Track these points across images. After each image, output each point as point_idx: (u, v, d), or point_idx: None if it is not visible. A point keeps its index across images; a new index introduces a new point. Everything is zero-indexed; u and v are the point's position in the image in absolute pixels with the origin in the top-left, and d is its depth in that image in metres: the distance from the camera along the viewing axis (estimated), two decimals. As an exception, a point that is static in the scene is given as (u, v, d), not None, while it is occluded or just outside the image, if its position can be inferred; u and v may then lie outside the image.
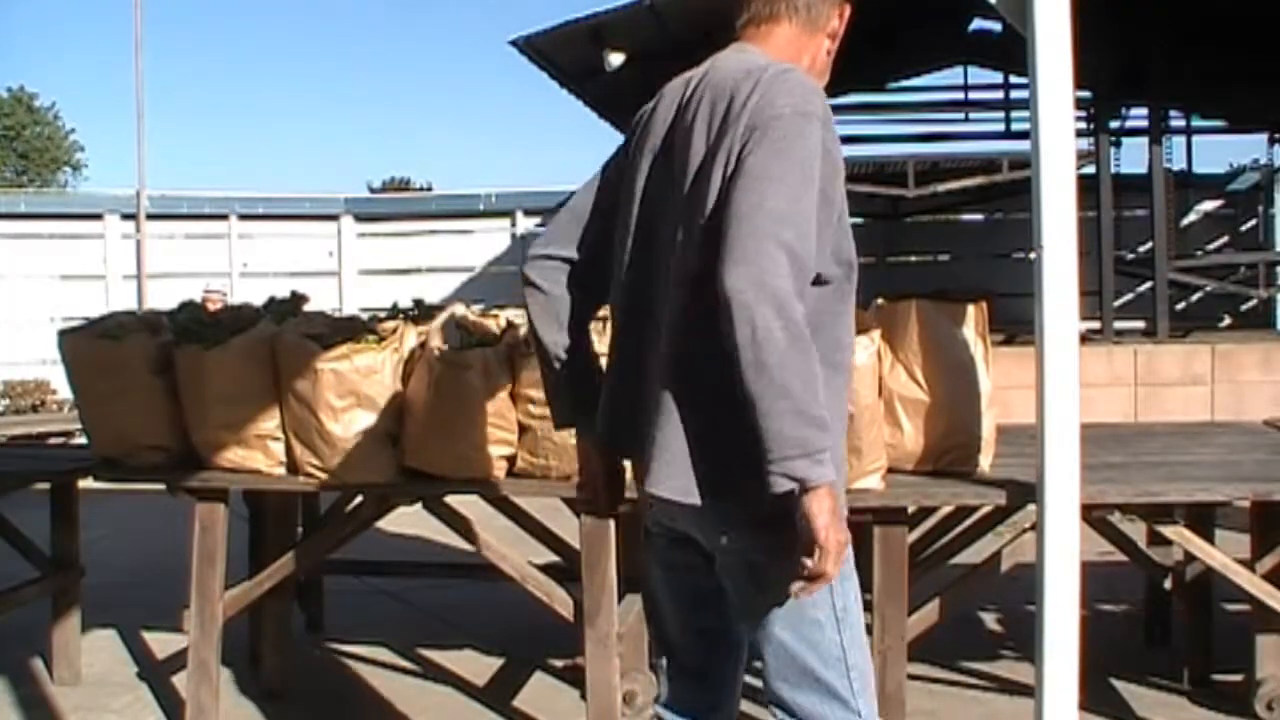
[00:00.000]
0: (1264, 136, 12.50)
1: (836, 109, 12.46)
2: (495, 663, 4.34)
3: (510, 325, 3.39)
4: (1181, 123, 11.98)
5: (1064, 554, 2.79)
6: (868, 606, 3.48)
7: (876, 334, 3.02)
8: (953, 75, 12.23)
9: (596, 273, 2.04)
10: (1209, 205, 13.08)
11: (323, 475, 3.34)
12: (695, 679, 2.01)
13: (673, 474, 1.79)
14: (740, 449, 1.67)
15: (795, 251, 1.66)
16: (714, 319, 1.66)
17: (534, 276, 2.05)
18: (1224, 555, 3.41)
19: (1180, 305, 11.35)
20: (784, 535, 1.68)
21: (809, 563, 1.64)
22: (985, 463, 3.27)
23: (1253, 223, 13.05)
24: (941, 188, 10.77)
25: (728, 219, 1.68)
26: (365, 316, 3.95)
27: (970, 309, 3.24)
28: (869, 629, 3.31)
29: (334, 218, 14.90)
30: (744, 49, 1.94)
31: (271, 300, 3.83)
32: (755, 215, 1.66)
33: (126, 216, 14.28)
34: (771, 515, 1.69)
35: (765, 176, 1.69)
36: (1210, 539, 3.55)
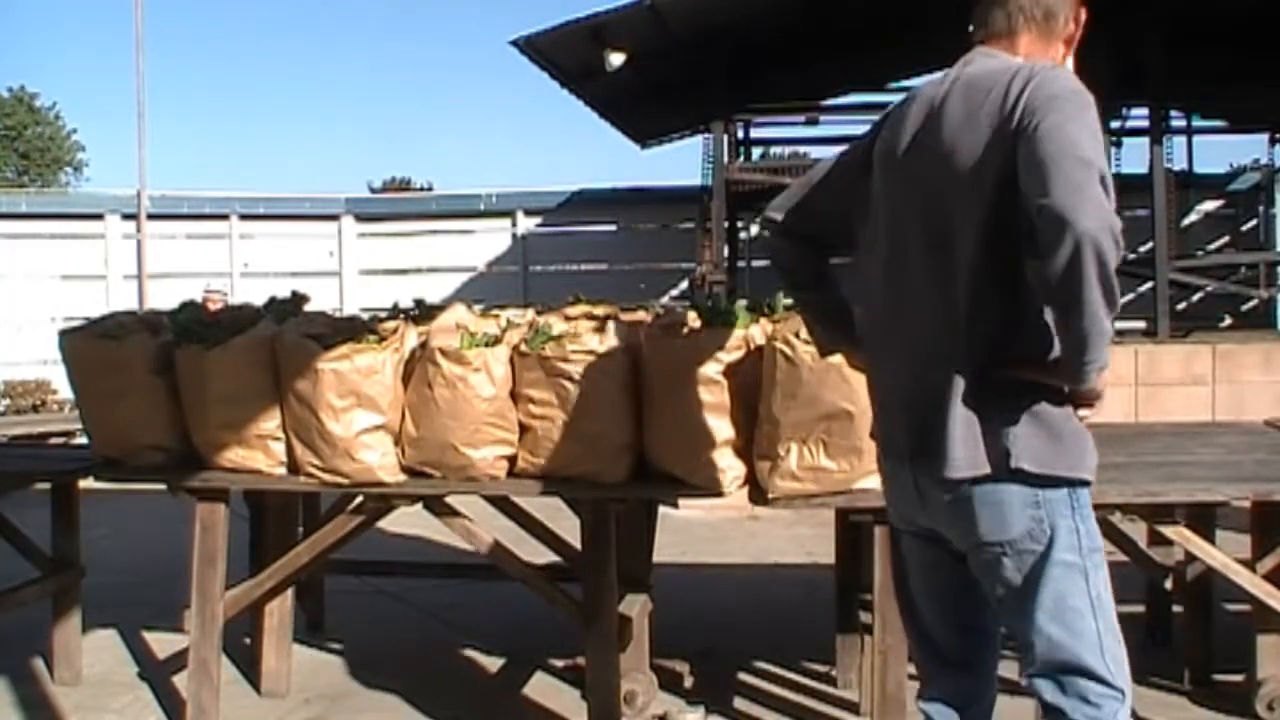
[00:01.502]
0: (1264, 136, 12.49)
1: (836, 109, 12.40)
2: (495, 663, 4.34)
3: (510, 325, 3.39)
4: (1182, 123, 11.96)
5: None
6: (866, 606, 3.49)
7: (877, 334, 3.01)
8: (953, 75, 12.23)
9: (817, 233, 2.29)
10: (1210, 205, 13.08)
11: (323, 475, 3.34)
12: (959, 671, 2.15)
13: (963, 452, 1.90)
14: (1018, 416, 1.89)
15: (1107, 187, 1.76)
16: (1011, 285, 1.87)
17: (768, 232, 2.33)
18: (1224, 555, 3.41)
19: (1181, 305, 11.34)
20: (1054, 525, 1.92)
21: (1087, 413, 1.94)
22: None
23: (1253, 223, 13.04)
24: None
25: (1048, 168, 1.73)
26: (366, 316, 3.94)
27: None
28: (869, 629, 3.32)
29: (334, 218, 14.91)
30: (991, 53, 2.03)
31: (272, 300, 3.83)
32: (1072, 158, 1.74)
33: (127, 216, 14.29)
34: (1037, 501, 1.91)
35: (1068, 137, 1.76)
36: (1210, 539, 3.55)
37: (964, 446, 1.89)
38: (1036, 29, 2.02)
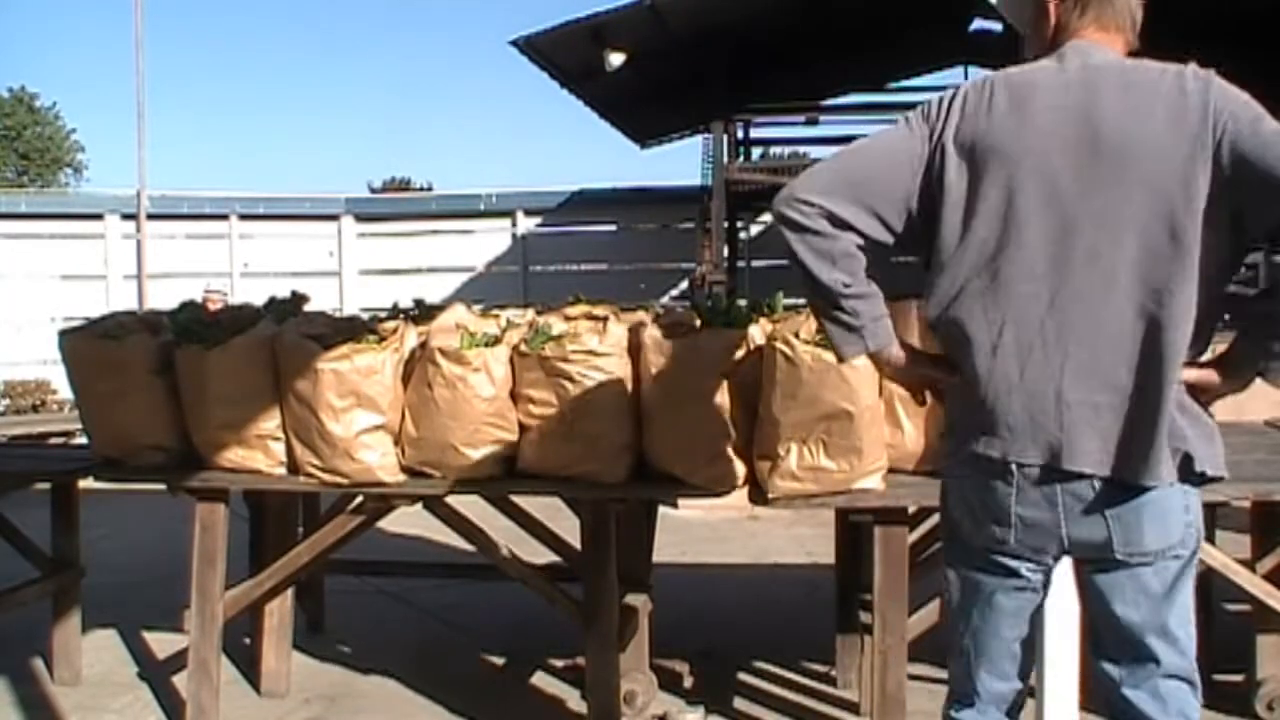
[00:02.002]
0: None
1: (836, 109, 12.45)
2: (495, 663, 4.34)
3: (510, 325, 3.39)
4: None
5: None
6: (866, 606, 3.49)
7: (877, 334, 3.01)
8: (953, 75, 12.27)
9: (868, 226, 2.01)
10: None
11: (323, 475, 3.34)
12: (1011, 682, 2.15)
13: (1165, 457, 1.86)
14: (1187, 418, 1.89)
15: None
16: (1203, 287, 1.85)
17: (805, 221, 1.98)
18: (1224, 555, 3.41)
19: (1180, 305, 11.35)
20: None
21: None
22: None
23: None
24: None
25: (1270, 172, 1.83)
26: (365, 316, 3.95)
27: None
28: (869, 629, 3.32)
29: (334, 218, 14.92)
30: (1103, 49, 1.98)
31: (272, 300, 3.83)
32: None
33: (127, 216, 14.30)
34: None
35: None
36: (1210, 539, 3.54)
37: (1165, 452, 1.87)
38: (1131, 34, 2.04)
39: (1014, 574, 2.00)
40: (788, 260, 2.02)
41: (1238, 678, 3.63)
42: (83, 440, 4.11)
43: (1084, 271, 1.88)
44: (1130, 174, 1.86)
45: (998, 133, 1.94)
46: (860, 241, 1.98)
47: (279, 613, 3.94)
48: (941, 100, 2.03)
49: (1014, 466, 1.91)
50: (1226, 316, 2.07)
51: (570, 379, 3.10)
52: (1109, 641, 1.99)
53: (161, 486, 3.56)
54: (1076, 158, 1.89)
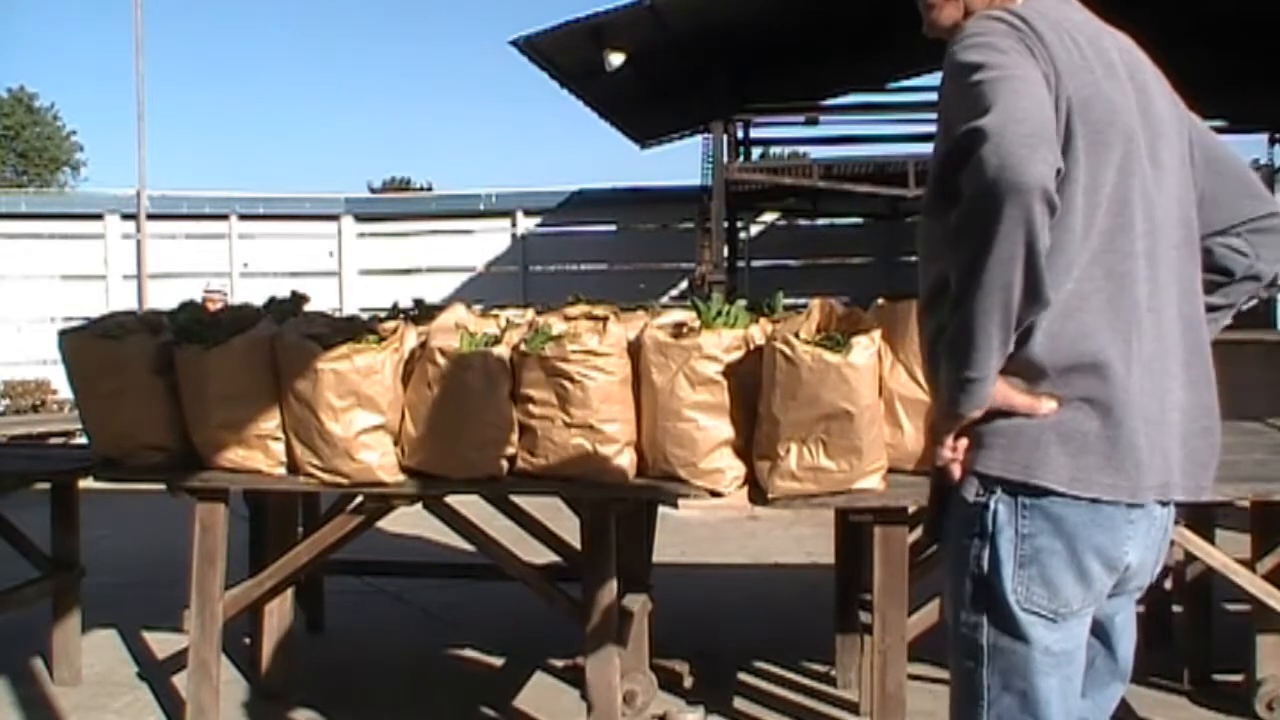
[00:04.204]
0: (1264, 136, 12.49)
1: (836, 109, 12.41)
2: (495, 663, 4.34)
3: (510, 325, 3.39)
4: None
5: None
6: (866, 606, 3.49)
7: (877, 334, 3.02)
8: (953, 75, 12.21)
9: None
10: None
11: (323, 475, 3.34)
12: None
13: (1211, 472, 1.73)
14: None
15: None
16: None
17: (1050, 189, 1.48)
18: (1224, 555, 3.42)
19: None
20: None
21: None
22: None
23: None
24: (942, 187, 10.76)
25: (1242, 169, 1.85)
26: (365, 316, 3.95)
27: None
28: (869, 629, 3.32)
29: (334, 218, 14.91)
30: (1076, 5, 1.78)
31: (272, 300, 3.83)
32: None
33: (127, 216, 14.29)
34: None
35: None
36: (1210, 539, 3.55)
37: None
38: None
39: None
40: (993, 251, 1.47)
41: (1238, 678, 3.64)
42: (83, 440, 4.11)
43: (1166, 272, 1.67)
44: (1163, 156, 1.70)
45: (1108, 94, 1.63)
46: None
47: (279, 613, 3.93)
48: (1023, 35, 1.60)
49: (1138, 505, 1.64)
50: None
51: (570, 379, 3.10)
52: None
53: (161, 486, 3.56)
54: (1146, 131, 1.67)
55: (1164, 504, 1.68)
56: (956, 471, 1.66)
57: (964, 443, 1.65)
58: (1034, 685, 1.63)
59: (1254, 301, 11.59)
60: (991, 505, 1.63)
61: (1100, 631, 1.75)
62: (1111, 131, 1.61)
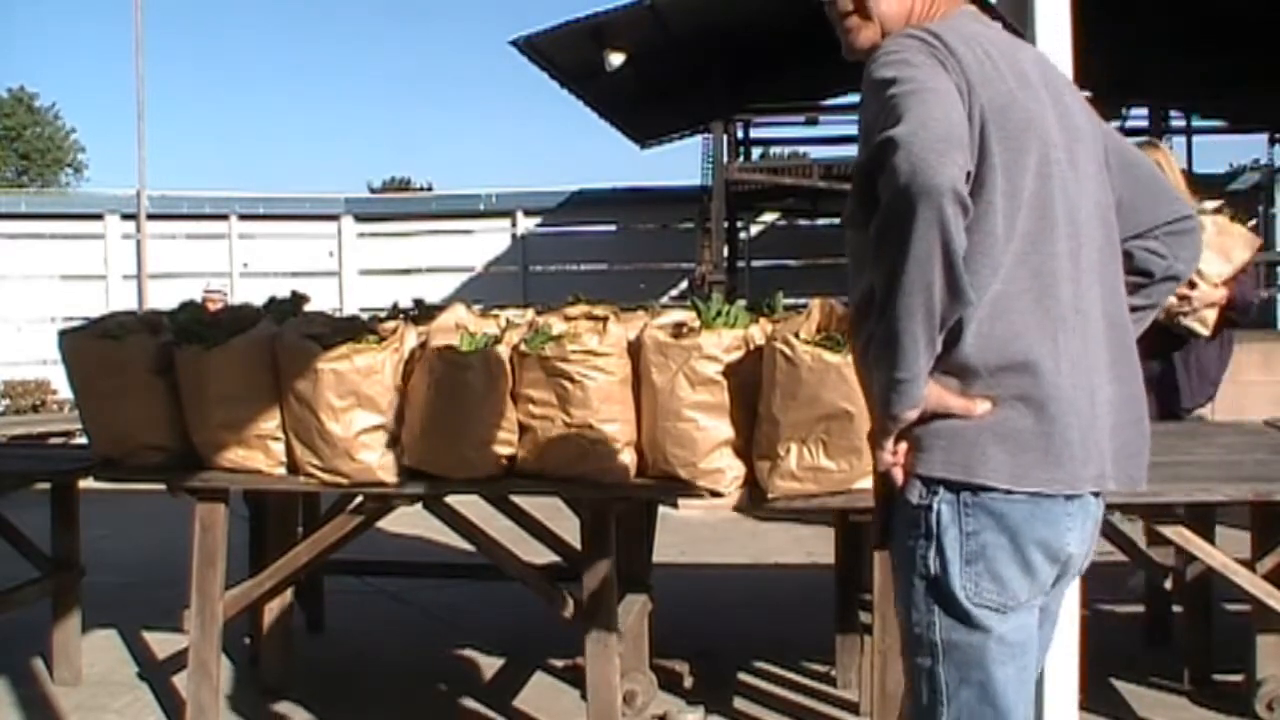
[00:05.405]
0: (1264, 136, 12.51)
1: (836, 109, 12.37)
2: (495, 663, 4.34)
3: (510, 325, 3.39)
4: (1182, 123, 11.98)
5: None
6: (866, 606, 3.49)
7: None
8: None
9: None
10: (1209, 205, 13.08)
11: (323, 475, 3.34)
12: None
13: (1143, 462, 1.82)
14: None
15: None
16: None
17: (961, 190, 1.53)
18: (1224, 555, 3.41)
19: (1180, 305, 11.34)
20: None
21: None
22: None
23: (1253, 223, 13.02)
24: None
25: (1156, 174, 1.93)
26: (365, 316, 3.95)
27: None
28: (869, 629, 3.32)
29: (334, 218, 14.92)
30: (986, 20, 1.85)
31: (272, 300, 3.83)
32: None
33: (127, 216, 14.29)
34: None
35: None
36: (1210, 539, 3.55)
37: None
38: None
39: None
40: (910, 252, 1.52)
41: (1237, 678, 3.64)
42: (83, 440, 4.11)
43: (1090, 273, 1.74)
44: (1082, 161, 1.77)
45: (1024, 102, 1.69)
46: None
47: (279, 613, 3.94)
48: (935, 50, 1.66)
49: (1077, 496, 1.70)
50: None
51: (570, 379, 3.10)
52: None
53: (161, 486, 3.56)
54: (1063, 137, 1.75)
55: (1096, 495, 1.76)
56: (899, 476, 1.71)
57: (904, 447, 1.70)
58: (991, 675, 1.69)
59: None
60: (935, 506, 1.68)
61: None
62: (1027, 137, 1.68)
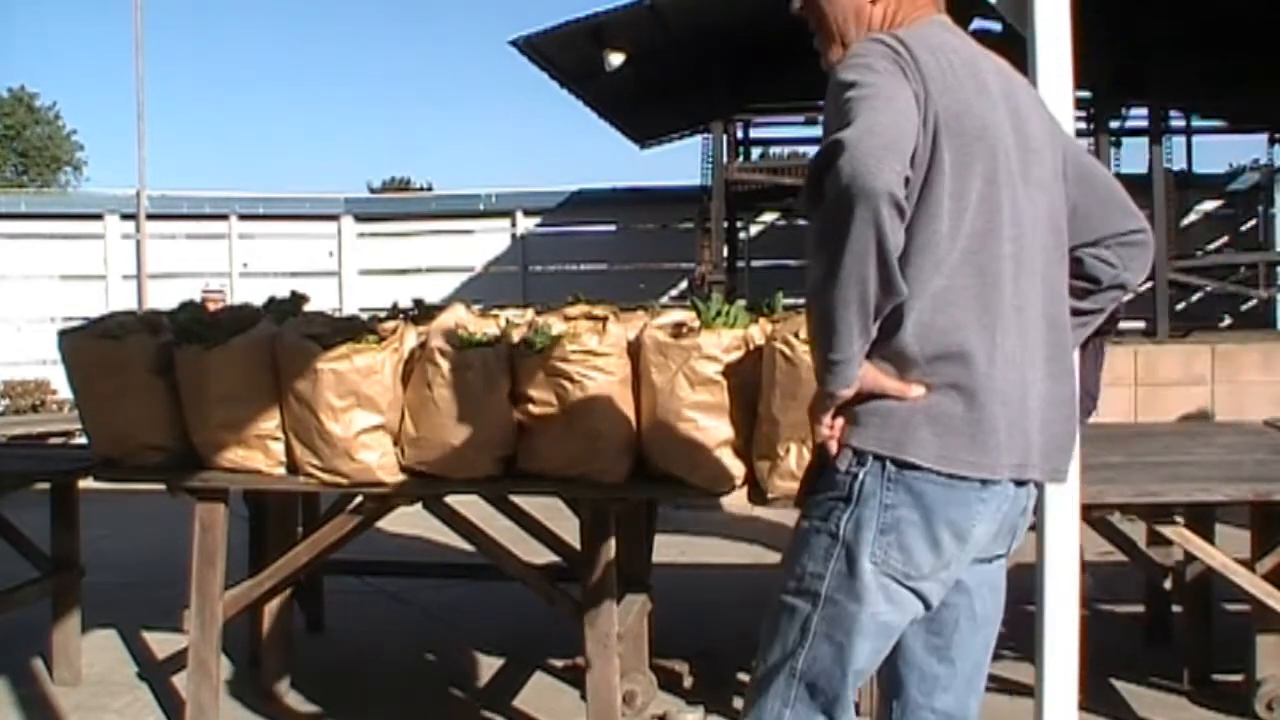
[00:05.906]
0: (1264, 136, 12.49)
1: (836, 109, 12.27)
2: (495, 663, 4.34)
3: (510, 325, 3.39)
4: (1181, 123, 11.96)
5: (1064, 554, 2.79)
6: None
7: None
8: (953, 75, 12.21)
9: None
10: (1209, 205, 13.07)
11: (322, 475, 3.34)
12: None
13: (1069, 457, 1.93)
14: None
15: None
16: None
17: (897, 194, 1.64)
18: (1224, 555, 3.42)
19: (1180, 305, 11.35)
20: None
21: None
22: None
23: (1253, 223, 13.03)
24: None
25: (1114, 187, 2.01)
26: (365, 316, 3.95)
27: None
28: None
29: (334, 218, 14.90)
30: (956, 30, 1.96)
31: (271, 300, 3.83)
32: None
33: (126, 216, 14.27)
34: None
35: None
36: (1210, 539, 3.55)
37: None
38: None
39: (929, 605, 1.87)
40: (847, 248, 1.63)
41: (1237, 678, 3.64)
42: (83, 440, 4.11)
43: (1032, 275, 1.84)
44: (1034, 171, 1.87)
45: (979, 111, 1.79)
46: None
47: (279, 613, 3.94)
48: (899, 56, 1.76)
49: (994, 481, 1.80)
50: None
51: (570, 379, 3.10)
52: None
53: (161, 486, 3.56)
54: (1017, 146, 1.84)
55: (1021, 484, 1.85)
56: (833, 448, 1.82)
57: (840, 421, 1.81)
58: (852, 642, 1.81)
59: (1253, 302, 11.62)
60: (861, 476, 1.79)
61: (964, 595, 1.94)
62: (979, 145, 1.78)
